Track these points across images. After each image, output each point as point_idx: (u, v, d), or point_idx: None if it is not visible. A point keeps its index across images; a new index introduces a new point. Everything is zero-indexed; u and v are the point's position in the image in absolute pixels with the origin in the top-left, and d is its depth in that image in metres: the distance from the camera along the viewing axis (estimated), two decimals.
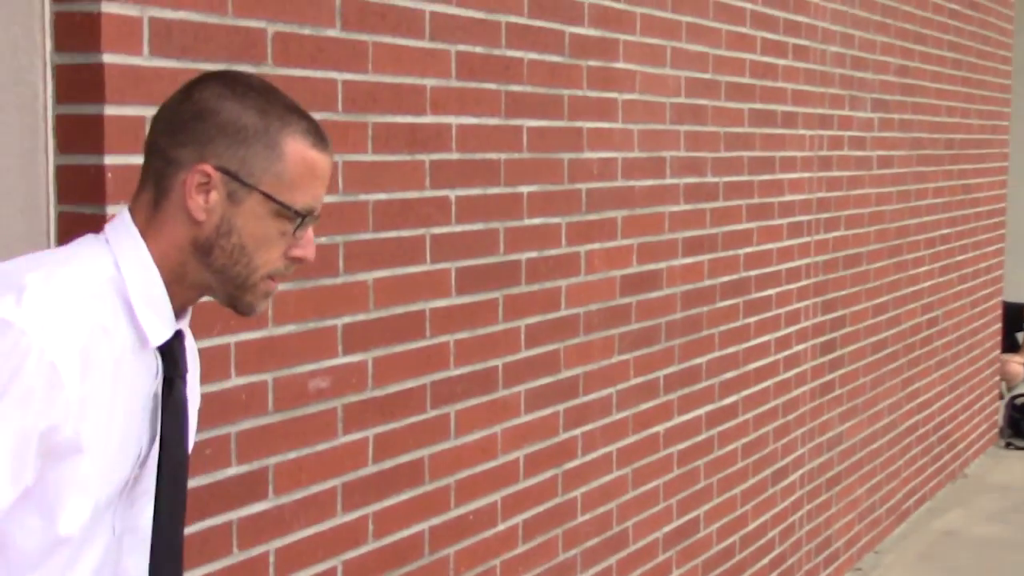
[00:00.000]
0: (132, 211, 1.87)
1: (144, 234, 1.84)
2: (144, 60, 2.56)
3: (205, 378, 2.22)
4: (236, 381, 2.81)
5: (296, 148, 1.84)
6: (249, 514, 2.88)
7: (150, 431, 1.87)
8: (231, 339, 2.79)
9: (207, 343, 2.69)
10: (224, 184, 1.82)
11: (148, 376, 1.86)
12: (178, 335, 1.89)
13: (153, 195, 1.85)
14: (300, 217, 1.85)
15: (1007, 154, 9.05)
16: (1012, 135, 9.24)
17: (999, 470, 8.66)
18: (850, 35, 6.07)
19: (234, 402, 2.81)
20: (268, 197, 1.82)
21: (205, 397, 2.26)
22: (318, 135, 1.87)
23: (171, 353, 1.87)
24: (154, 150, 1.87)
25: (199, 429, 2.22)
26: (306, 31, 2.96)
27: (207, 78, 1.89)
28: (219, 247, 1.83)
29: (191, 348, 1.98)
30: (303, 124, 1.86)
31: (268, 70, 2.84)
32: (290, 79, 2.87)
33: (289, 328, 2.95)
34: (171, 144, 1.84)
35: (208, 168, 1.81)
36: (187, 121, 1.84)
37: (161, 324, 1.84)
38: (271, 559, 2.95)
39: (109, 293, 1.80)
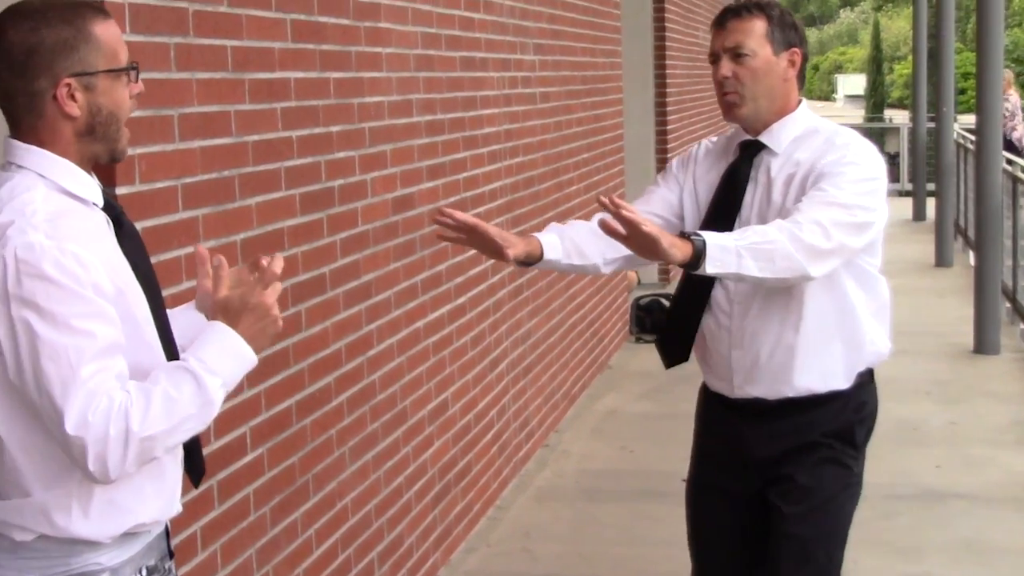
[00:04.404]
0: (19, 139, 2.40)
1: (43, 148, 2.39)
2: None
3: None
4: (187, 284, 3.60)
5: (100, 29, 2.38)
6: None
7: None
8: (180, 252, 3.57)
9: (166, 255, 3.48)
10: (80, 83, 2.37)
11: (109, 232, 2.45)
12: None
13: (31, 120, 2.38)
14: (132, 68, 2.44)
15: (622, 87, 10.40)
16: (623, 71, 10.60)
17: (635, 361, 9.99)
18: None
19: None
20: (108, 71, 2.40)
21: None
22: (104, 11, 2.42)
23: (108, 204, 2.47)
24: (10, 93, 2.38)
25: None
26: (208, 8, 3.74)
27: (5, 25, 2.37)
28: (97, 123, 2.40)
29: None
30: (91, 10, 2.39)
31: (191, 39, 3.62)
32: (200, 47, 3.66)
33: (211, 244, 3.74)
34: (26, 82, 2.36)
35: (66, 81, 2.36)
36: (25, 60, 2.35)
37: (93, 188, 2.43)
38: None
39: (55, 195, 2.37)
